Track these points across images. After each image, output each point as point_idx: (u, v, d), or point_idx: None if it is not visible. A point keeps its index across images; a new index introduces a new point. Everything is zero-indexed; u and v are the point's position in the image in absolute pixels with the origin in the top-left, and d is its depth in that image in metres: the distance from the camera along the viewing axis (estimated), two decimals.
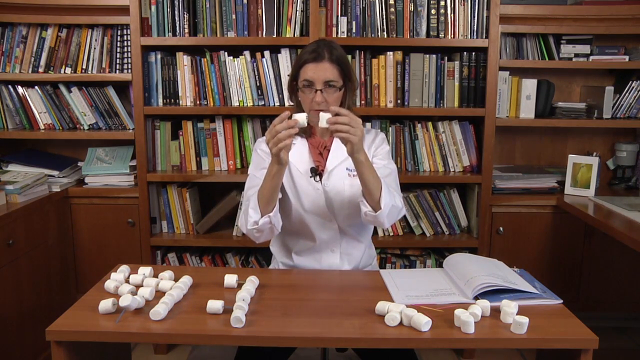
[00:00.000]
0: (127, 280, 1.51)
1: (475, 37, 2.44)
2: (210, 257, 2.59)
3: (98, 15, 2.45)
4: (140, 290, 1.40)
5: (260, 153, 1.76)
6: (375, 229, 2.32)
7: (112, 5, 2.42)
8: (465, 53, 2.46)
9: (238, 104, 2.49)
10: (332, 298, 1.47)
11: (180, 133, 2.55)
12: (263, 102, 2.50)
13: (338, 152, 1.73)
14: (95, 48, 2.53)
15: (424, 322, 1.23)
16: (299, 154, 1.73)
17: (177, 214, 2.57)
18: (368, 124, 2.51)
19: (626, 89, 2.62)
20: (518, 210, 2.54)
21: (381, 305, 1.32)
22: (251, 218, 1.59)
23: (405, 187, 2.56)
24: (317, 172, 1.72)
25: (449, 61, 2.50)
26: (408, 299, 1.40)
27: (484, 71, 2.46)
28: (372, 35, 2.44)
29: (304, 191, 1.71)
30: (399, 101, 2.50)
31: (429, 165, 2.57)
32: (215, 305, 1.32)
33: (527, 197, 2.53)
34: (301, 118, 1.49)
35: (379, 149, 1.79)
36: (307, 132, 1.75)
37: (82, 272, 2.58)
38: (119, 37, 2.51)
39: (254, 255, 2.63)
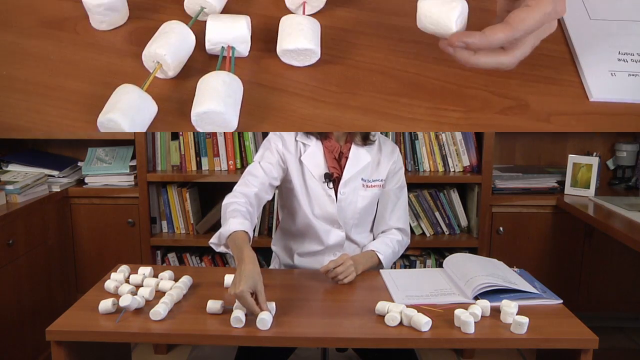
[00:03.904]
0: (127, 280, 1.51)
1: None
2: (210, 257, 2.59)
3: None
4: (140, 290, 1.39)
5: (273, 147, 1.67)
6: None
7: None
8: None
9: None
10: (332, 298, 1.47)
11: (180, 133, 2.55)
12: None
13: (355, 160, 1.69)
14: None
15: (424, 322, 1.23)
16: (314, 157, 1.68)
17: (177, 214, 2.57)
18: None
19: None
20: (518, 210, 2.53)
21: (381, 305, 1.32)
22: (214, 238, 1.52)
23: None
24: (331, 178, 1.68)
25: None
26: (408, 299, 1.40)
27: None
28: None
29: (316, 196, 1.69)
30: None
31: (429, 165, 2.57)
32: (215, 305, 1.32)
33: (527, 197, 2.53)
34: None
35: (396, 167, 1.77)
36: (323, 134, 1.69)
37: (82, 272, 2.58)
38: None
39: None
